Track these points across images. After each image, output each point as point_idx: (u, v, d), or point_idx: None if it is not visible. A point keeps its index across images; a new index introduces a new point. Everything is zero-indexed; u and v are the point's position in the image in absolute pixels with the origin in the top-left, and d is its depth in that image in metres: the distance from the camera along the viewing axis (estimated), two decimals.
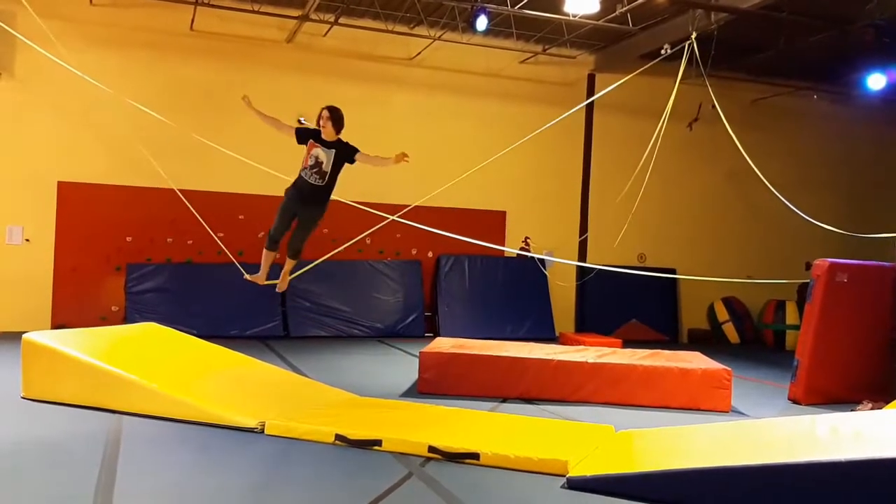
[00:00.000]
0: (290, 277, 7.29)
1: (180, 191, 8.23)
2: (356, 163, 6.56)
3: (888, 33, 9.81)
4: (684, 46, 8.64)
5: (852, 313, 7.61)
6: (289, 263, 7.11)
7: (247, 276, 7.13)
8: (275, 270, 7.21)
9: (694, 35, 8.68)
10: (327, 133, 6.48)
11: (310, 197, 6.57)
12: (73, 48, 9.84)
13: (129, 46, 10.74)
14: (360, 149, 6.55)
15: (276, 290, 7.38)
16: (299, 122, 6.68)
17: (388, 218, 8.39)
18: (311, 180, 6.49)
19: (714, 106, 9.06)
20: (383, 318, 11.81)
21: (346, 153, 6.52)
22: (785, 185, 9.31)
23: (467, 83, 12.44)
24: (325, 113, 6.50)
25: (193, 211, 8.27)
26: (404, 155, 6.41)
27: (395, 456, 4.94)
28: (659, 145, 9.16)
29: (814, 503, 3.81)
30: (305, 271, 7.98)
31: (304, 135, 6.56)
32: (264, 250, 6.94)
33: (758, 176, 8.72)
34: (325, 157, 6.46)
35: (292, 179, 8.23)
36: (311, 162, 6.48)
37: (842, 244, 9.79)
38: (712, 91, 9.33)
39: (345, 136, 6.64)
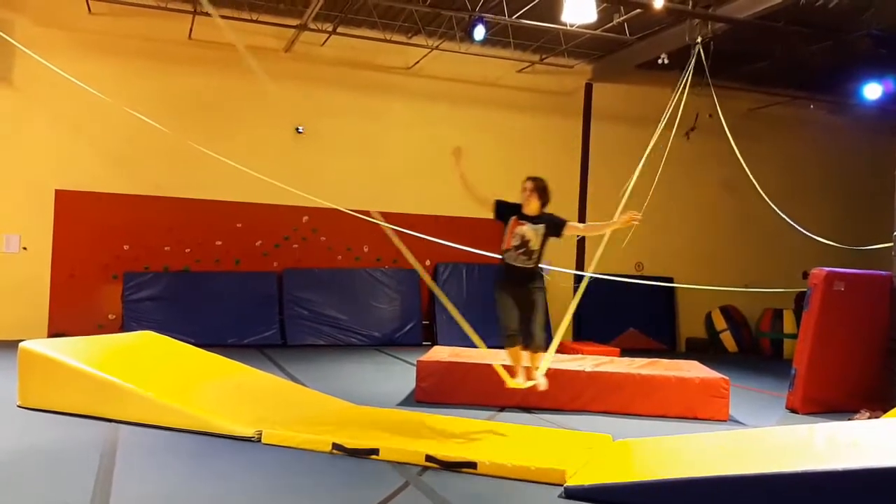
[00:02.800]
0: (543, 370, 6.00)
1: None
2: (564, 235, 5.81)
3: (884, 43, 9.85)
4: (685, 54, 8.66)
5: (849, 322, 7.61)
6: (535, 358, 5.97)
7: (510, 384, 5.96)
8: None
9: (699, 40, 8.69)
10: (531, 208, 5.72)
11: (520, 281, 5.75)
12: (72, 57, 9.89)
13: (128, 55, 10.76)
14: (567, 220, 5.84)
15: (538, 389, 5.99)
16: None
17: (385, 225, 8.37)
18: (518, 263, 5.68)
19: (712, 115, 9.10)
20: (381, 326, 11.80)
21: (554, 228, 5.75)
22: (781, 194, 9.36)
23: (465, 92, 12.46)
24: (529, 184, 5.74)
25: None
26: (634, 216, 5.72)
27: (393, 465, 4.93)
28: (656, 154, 9.17)
29: None
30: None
31: (506, 211, 5.76)
32: (507, 350, 5.93)
33: (755, 185, 8.74)
34: (533, 235, 5.66)
35: (291, 188, 8.23)
36: (515, 242, 5.66)
37: (838, 253, 9.80)
38: (709, 101, 9.37)
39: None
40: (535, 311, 5.79)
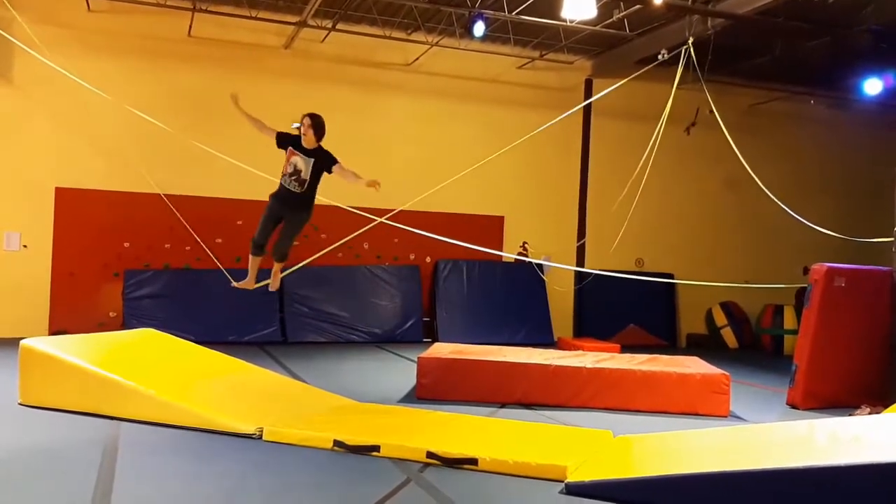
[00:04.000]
0: (280, 276, 7.27)
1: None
2: (333, 173, 6.57)
3: (884, 38, 9.84)
4: (681, 52, 8.67)
5: (850, 318, 7.61)
6: (277, 266, 7.12)
7: (234, 284, 7.21)
8: (263, 275, 7.23)
9: (691, 40, 8.71)
10: (308, 140, 6.46)
11: (291, 203, 6.59)
12: (71, 54, 9.87)
13: (127, 52, 10.75)
14: (339, 160, 6.56)
15: (269, 288, 7.35)
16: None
17: (379, 221, 8.39)
18: (291, 187, 6.51)
19: (712, 111, 9.08)
20: (381, 323, 11.80)
21: (324, 162, 6.51)
22: (782, 189, 9.34)
23: (465, 89, 12.45)
24: (307, 120, 6.45)
25: (187, 224, 8.30)
26: (377, 182, 6.45)
27: (394, 461, 4.93)
28: (656, 150, 9.17)
29: None
30: (295, 270, 7.99)
31: (285, 140, 6.54)
32: (250, 256, 6.99)
33: (755, 180, 8.74)
34: (304, 165, 6.45)
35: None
36: (289, 169, 6.49)
37: (839, 249, 9.80)
38: (710, 96, 9.36)
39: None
40: (294, 234, 6.85)
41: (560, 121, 9.62)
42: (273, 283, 7.25)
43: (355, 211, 8.39)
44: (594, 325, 12.77)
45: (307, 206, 6.67)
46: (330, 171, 6.55)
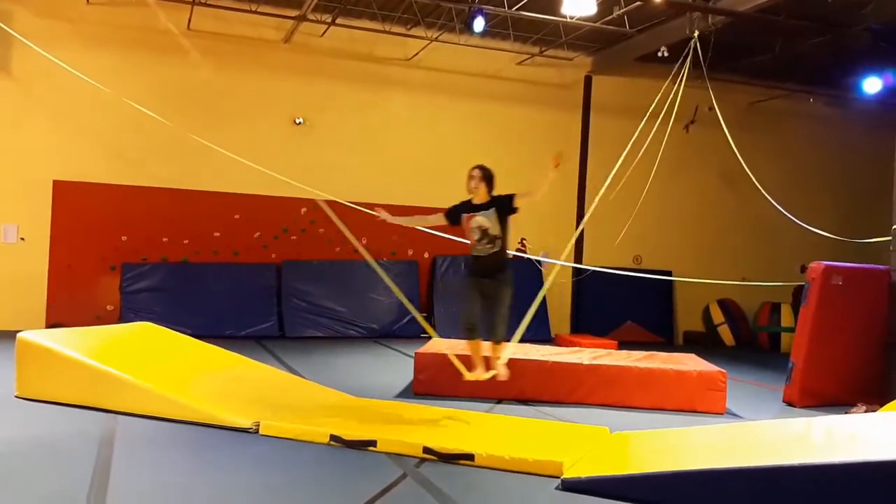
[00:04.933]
0: (504, 361, 6.10)
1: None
2: (519, 207, 5.86)
3: (884, 37, 9.84)
4: (685, 46, 8.65)
5: (847, 316, 7.62)
6: (497, 349, 6.08)
7: (467, 376, 6.13)
8: None
9: (696, 34, 8.69)
10: (480, 196, 5.83)
11: (489, 269, 5.89)
12: (70, 47, 9.85)
13: (126, 46, 10.72)
14: (515, 193, 5.88)
15: (498, 378, 6.13)
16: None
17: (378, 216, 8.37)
18: (484, 252, 5.84)
19: (711, 108, 9.08)
20: (379, 318, 11.79)
21: (506, 206, 5.83)
22: (781, 187, 9.37)
23: (464, 84, 12.44)
24: (477, 173, 5.83)
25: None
26: (559, 155, 5.79)
27: (390, 457, 4.93)
28: (655, 147, 9.17)
29: None
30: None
31: (455, 213, 5.90)
32: (467, 342, 6.10)
33: (753, 179, 8.75)
34: (488, 221, 5.79)
35: (288, 180, 8.22)
36: (476, 235, 5.82)
37: (837, 247, 9.81)
38: (708, 94, 9.35)
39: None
40: (500, 303, 5.91)
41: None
42: (502, 373, 6.08)
43: (356, 206, 8.38)
44: (591, 321, 12.78)
45: (504, 268, 5.95)
46: (515, 211, 5.84)
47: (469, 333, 6.01)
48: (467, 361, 6.19)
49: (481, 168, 5.88)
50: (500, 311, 5.91)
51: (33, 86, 10.31)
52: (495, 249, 5.85)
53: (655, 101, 8.63)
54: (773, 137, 13.89)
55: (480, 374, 6.07)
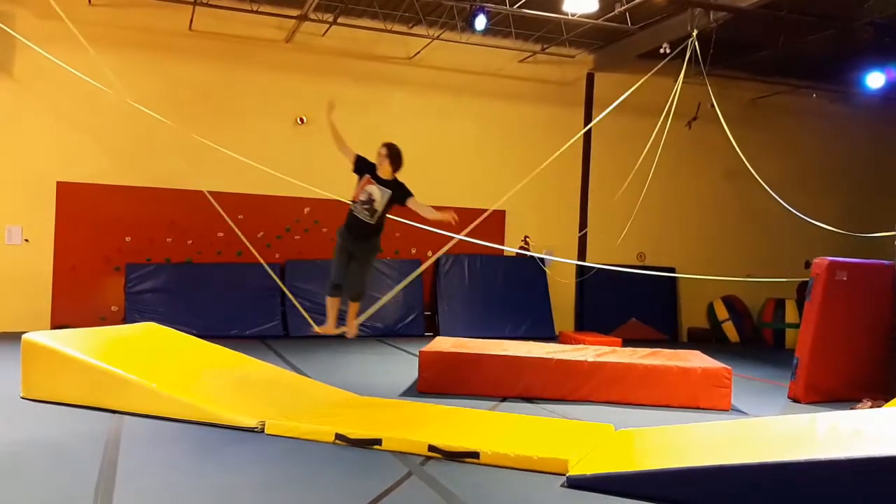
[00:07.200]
0: (357, 321, 6.92)
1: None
2: (406, 206, 6.35)
3: (887, 32, 9.81)
4: (685, 45, 8.65)
5: (852, 312, 7.61)
6: (353, 307, 6.76)
7: (316, 329, 6.85)
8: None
9: (695, 33, 8.69)
10: (384, 171, 6.29)
11: (360, 233, 6.40)
12: (72, 48, 9.84)
13: (128, 46, 10.72)
14: (413, 194, 6.35)
15: (347, 335, 7.03)
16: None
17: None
18: (361, 215, 6.31)
19: (713, 105, 9.07)
20: (383, 317, 11.76)
21: (400, 195, 6.30)
22: (784, 183, 9.35)
23: (466, 82, 12.43)
24: (384, 150, 6.29)
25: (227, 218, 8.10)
26: (454, 217, 6.25)
27: (395, 455, 4.94)
28: (658, 144, 9.16)
29: (814, 501, 3.81)
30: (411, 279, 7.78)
31: (363, 167, 6.34)
32: (328, 298, 6.71)
33: (755, 175, 8.73)
34: (380, 195, 6.26)
35: (293, 179, 8.24)
36: (363, 197, 6.28)
37: (841, 242, 9.80)
38: (711, 90, 9.34)
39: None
40: (365, 264, 6.56)
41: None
42: (350, 330, 6.90)
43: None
44: (596, 319, 12.77)
45: (372, 238, 6.46)
46: (404, 204, 6.32)
47: (334, 291, 6.61)
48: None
49: (388, 146, 6.32)
50: (364, 271, 6.57)
51: (36, 87, 10.32)
52: (372, 222, 6.34)
53: (666, 100, 8.61)
54: (777, 133, 13.87)
55: (330, 329, 6.76)
